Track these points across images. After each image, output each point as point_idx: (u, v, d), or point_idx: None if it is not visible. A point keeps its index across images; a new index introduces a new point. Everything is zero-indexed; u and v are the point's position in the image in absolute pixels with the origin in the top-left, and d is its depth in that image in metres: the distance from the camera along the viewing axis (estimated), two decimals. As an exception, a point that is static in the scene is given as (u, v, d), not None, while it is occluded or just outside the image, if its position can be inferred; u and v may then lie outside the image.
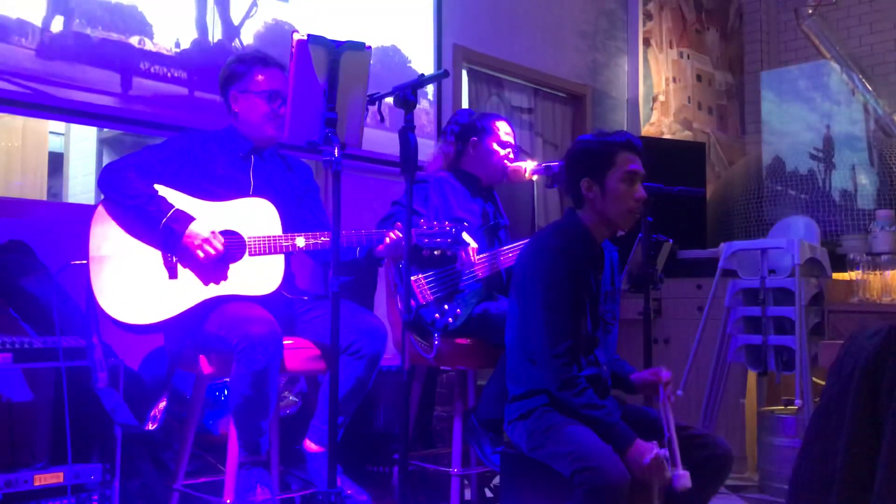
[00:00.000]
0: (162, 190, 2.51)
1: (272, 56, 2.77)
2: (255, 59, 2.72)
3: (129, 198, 2.47)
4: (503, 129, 3.09)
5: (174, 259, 2.49)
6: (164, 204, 2.46)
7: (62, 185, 5.06)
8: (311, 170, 2.93)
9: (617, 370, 2.52)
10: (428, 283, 2.85)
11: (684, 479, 2.14)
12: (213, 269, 2.49)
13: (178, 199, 2.52)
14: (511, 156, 3.09)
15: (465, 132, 3.09)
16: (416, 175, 2.87)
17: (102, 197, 2.55)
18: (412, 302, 2.77)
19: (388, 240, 2.54)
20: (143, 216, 2.46)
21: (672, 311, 4.50)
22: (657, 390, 2.37)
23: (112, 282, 2.44)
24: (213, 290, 2.49)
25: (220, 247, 2.45)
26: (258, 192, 2.65)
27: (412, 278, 2.80)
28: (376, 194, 3.96)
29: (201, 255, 2.44)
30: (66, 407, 2.46)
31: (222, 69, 2.75)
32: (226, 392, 3.08)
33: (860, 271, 4.02)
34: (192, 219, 2.46)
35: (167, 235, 2.46)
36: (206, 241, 2.44)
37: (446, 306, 2.83)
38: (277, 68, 2.71)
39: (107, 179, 2.51)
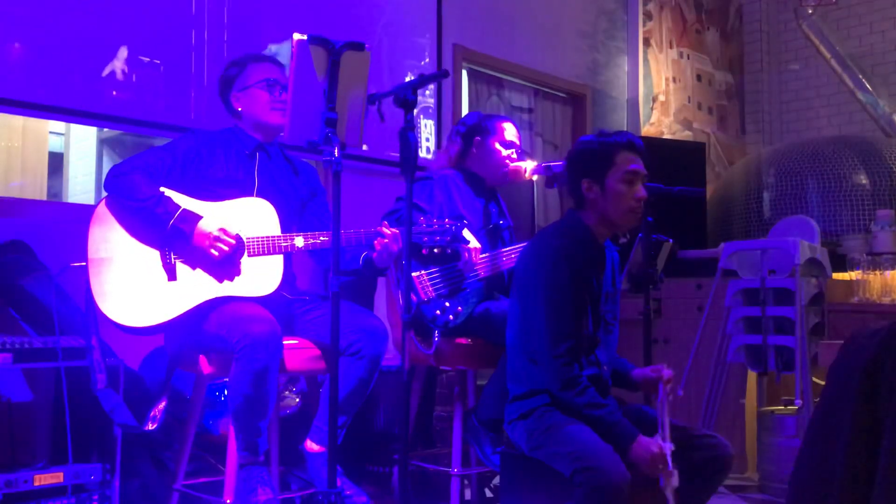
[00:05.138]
0: (167, 192, 2.51)
1: (263, 54, 2.79)
2: (248, 58, 2.77)
3: (136, 201, 2.47)
4: (508, 130, 3.09)
5: (174, 259, 2.49)
6: (171, 205, 2.47)
7: (62, 185, 5.06)
8: (318, 173, 2.93)
9: (618, 367, 2.52)
10: (431, 279, 2.85)
11: (672, 477, 2.14)
12: (225, 266, 2.49)
13: (181, 202, 2.52)
14: (514, 156, 3.10)
15: (470, 132, 3.11)
16: (421, 172, 2.88)
17: (104, 195, 2.55)
18: (413, 297, 2.77)
19: (381, 241, 2.54)
20: (151, 218, 2.46)
21: (672, 311, 4.49)
22: (657, 387, 2.37)
23: (111, 284, 2.44)
24: (212, 292, 2.49)
25: (232, 241, 2.46)
26: (262, 192, 2.65)
27: (414, 274, 2.80)
28: (378, 194, 3.96)
29: (216, 253, 2.44)
30: (65, 407, 2.46)
31: (219, 79, 2.78)
32: (226, 392, 3.08)
33: (860, 271, 4.02)
34: (199, 217, 2.46)
35: (176, 236, 2.46)
36: (218, 238, 2.44)
37: (447, 303, 2.84)
38: (270, 62, 2.76)
39: (113, 183, 2.51)
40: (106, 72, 3.34)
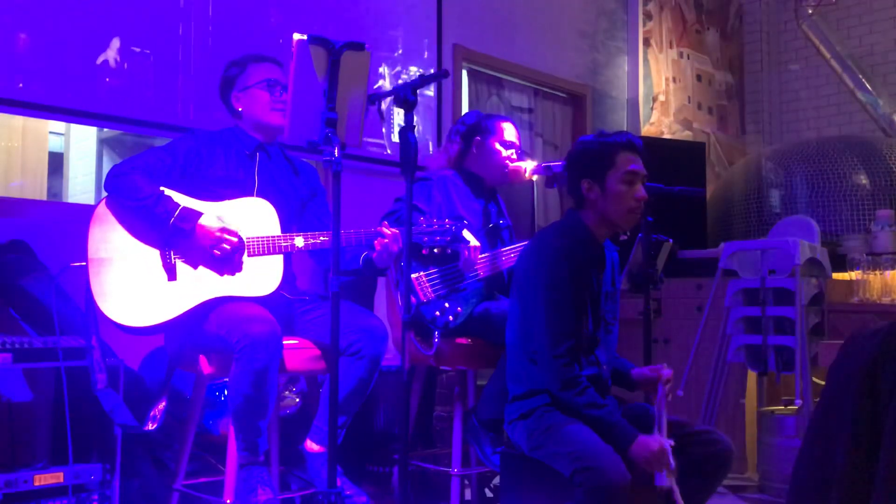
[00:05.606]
0: (167, 192, 2.51)
1: (264, 53, 2.79)
2: (248, 58, 2.77)
3: (135, 200, 2.47)
4: (508, 130, 3.09)
5: (174, 259, 2.49)
6: (171, 203, 2.47)
7: (62, 185, 5.06)
8: (318, 173, 2.93)
9: (618, 367, 2.52)
10: (430, 280, 2.84)
11: (667, 478, 2.14)
12: (227, 263, 2.50)
13: (181, 202, 2.52)
14: (514, 156, 3.10)
15: (470, 132, 3.10)
16: (419, 173, 2.89)
17: (104, 195, 2.55)
18: (412, 299, 2.77)
19: (381, 241, 2.54)
20: (151, 217, 2.46)
21: (672, 311, 4.50)
22: (656, 387, 2.37)
23: (111, 284, 2.44)
24: (212, 292, 2.49)
25: (234, 240, 2.46)
26: (262, 192, 2.65)
27: (413, 276, 2.80)
28: (378, 194, 3.96)
29: (218, 253, 2.45)
30: (65, 407, 2.46)
31: (220, 79, 2.78)
32: (225, 392, 3.08)
33: (860, 271, 4.02)
34: (199, 214, 2.46)
35: (176, 235, 2.46)
36: (220, 239, 2.45)
37: (447, 304, 2.84)
38: (271, 62, 2.76)
39: (113, 183, 2.51)
40: (100, 60, 3.36)
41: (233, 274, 2.50)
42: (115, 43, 3.40)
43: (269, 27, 3.90)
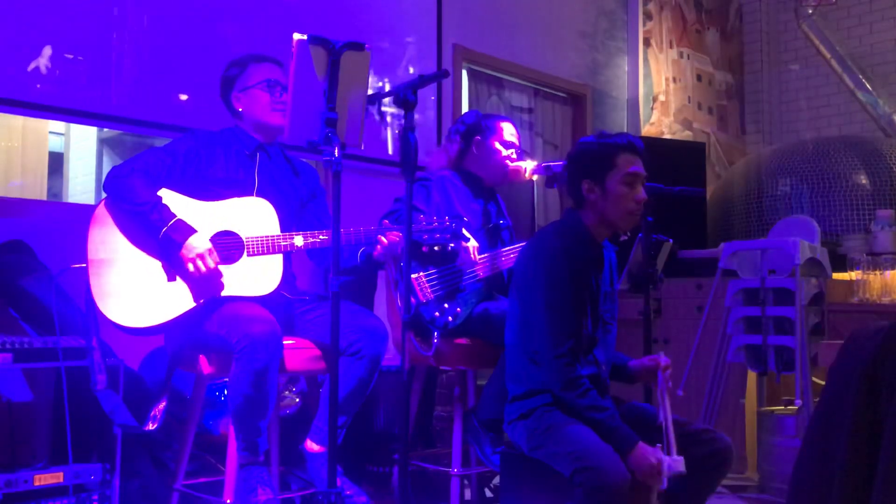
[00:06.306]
0: (166, 193, 2.51)
1: (265, 53, 2.79)
2: (249, 58, 2.76)
3: (133, 204, 2.47)
4: (507, 130, 3.09)
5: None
6: (167, 213, 2.46)
7: (62, 185, 5.06)
8: (318, 174, 2.93)
9: (615, 361, 2.52)
10: (429, 280, 2.84)
11: (678, 464, 2.13)
12: (204, 283, 2.48)
13: (180, 202, 2.52)
14: (514, 156, 3.10)
15: (470, 131, 3.10)
16: (419, 173, 2.89)
17: (103, 196, 2.55)
18: (412, 299, 2.77)
19: (382, 243, 2.54)
20: (145, 224, 2.46)
21: (672, 311, 4.50)
22: (656, 376, 2.37)
23: (111, 285, 2.44)
24: (213, 291, 2.49)
25: (211, 265, 2.44)
26: (262, 192, 2.65)
27: (413, 276, 2.80)
28: (377, 194, 3.96)
29: (191, 268, 2.43)
30: (65, 407, 2.46)
31: (220, 79, 2.77)
32: (225, 392, 3.08)
33: (860, 271, 4.02)
34: (192, 231, 2.45)
35: (166, 245, 2.45)
36: (200, 256, 2.43)
37: (446, 305, 2.83)
38: (271, 62, 2.76)
39: (112, 184, 2.51)
40: (31, 67, 3.27)
41: (197, 301, 2.46)
42: (47, 51, 3.33)
43: (201, 31, 3.72)
